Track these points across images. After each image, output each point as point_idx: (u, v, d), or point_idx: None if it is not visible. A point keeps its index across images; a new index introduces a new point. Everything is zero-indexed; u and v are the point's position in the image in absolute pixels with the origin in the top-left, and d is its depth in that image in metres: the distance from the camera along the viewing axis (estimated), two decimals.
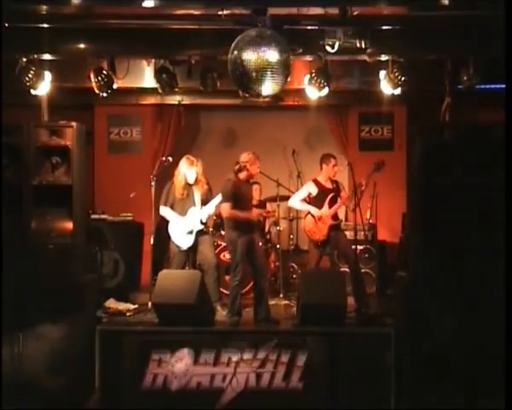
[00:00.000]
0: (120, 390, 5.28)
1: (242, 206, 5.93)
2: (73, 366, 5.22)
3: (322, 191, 6.47)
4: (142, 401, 5.27)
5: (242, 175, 5.96)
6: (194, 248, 6.37)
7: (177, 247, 6.33)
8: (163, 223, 6.61)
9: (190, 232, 6.30)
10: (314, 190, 6.51)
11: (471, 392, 5.06)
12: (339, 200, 6.48)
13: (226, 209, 5.91)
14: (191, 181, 6.37)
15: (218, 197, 6.26)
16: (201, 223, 6.35)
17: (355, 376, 5.22)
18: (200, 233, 6.35)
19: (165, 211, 6.38)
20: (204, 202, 6.37)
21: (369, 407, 5.22)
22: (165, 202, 6.38)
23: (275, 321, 5.92)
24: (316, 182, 6.53)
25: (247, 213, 5.92)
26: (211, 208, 6.40)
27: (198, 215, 6.31)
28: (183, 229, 6.30)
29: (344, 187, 6.74)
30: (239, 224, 5.89)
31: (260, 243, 6.70)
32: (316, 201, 6.49)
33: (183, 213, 6.33)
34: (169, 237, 6.39)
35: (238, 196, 5.90)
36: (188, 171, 6.34)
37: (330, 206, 6.42)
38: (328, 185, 6.51)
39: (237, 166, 5.94)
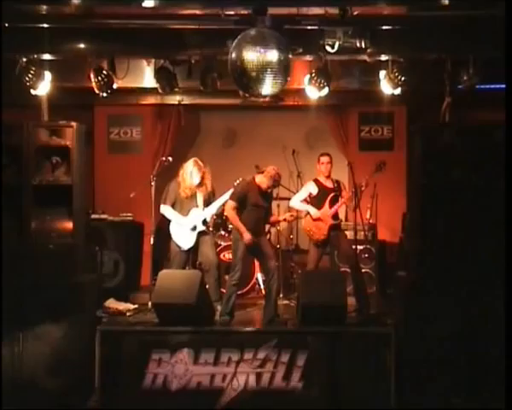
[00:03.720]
0: (120, 390, 5.28)
1: (250, 211, 5.96)
2: (73, 366, 5.23)
3: (324, 191, 6.46)
4: (142, 401, 5.27)
5: (260, 180, 6.00)
6: (194, 249, 6.37)
7: (178, 247, 6.33)
8: (163, 223, 6.61)
9: (194, 229, 6.28)
10: (314, 190, 6.50)
11: (471, 392, 5.06)
12: (340, 199, 6.47)
13: (228, 208, 5.96)
14: (195, 183, 6.35)
15: (223, 198, 6.27)
16: (204, 223, 6.34)
17: (355, 376, 5.22)
18: (201, 233, 6.34)
19: (166, 210, 6.37)
20: (206, 204, 6.37)
21: (369, 406, 5.22)
22: (168, 200, 6.36)
23: (281, 322, 5.97)
24: (316, 181, 6.52)
25: (244, 232, 5.87)
26: (213, 209, 6.40)
27: (201, 216, 6.31)
28: (184, 229, 6.29)
29: (345, 187, 6.74)
30: (244, 224, 5.93)
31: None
32: (317, 200, 6.48)
33: (185, 213, 6.32)
34: (170, 237, 6.38)
35: (245, 200, 5.94)
36: (194, 174, 6.31)
37: (331, 205, 6.41)
38: (329, 185, 6.50)
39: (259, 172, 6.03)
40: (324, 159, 6.49)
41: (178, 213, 6.33)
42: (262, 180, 5.99)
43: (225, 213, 6.08)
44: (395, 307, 5.90)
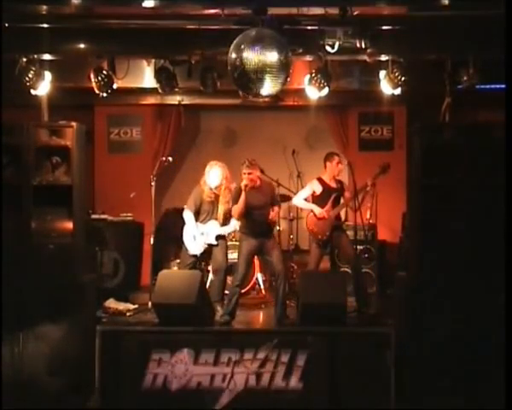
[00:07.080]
0: (120, 390, 5.29)
1: (249, 214, 5.95)
2: (73, 366, 5.23)
3: (327, 190, 6.44)
4: (142, 401, 5.27)
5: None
6: (207, 252, 6.34)
7: (186, 250, 6.29)
8: (163, 223, 6.60)
9: (205, 240, 6.23)
10: (318, 189, 6.47)
11: (471, 392, 5.07)
12: (342, 200, 6.46)
13: (235, 214, 5.98)
14: (213, 185, 6.24)
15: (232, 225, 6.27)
16: (216, 239, 6.27)
17: (355, 376, 5.22)
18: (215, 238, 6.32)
19: (186, 214, 6.31)
20: (224, 221, 6.29)
21: (369, 407, 5.22)
22: (193, 205, 6.29)
23: (290, 322, 5.92)
24: (320, 180, 6.49)
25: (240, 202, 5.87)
26: (228, 230, 6.36)
27: (216, 231, 6.26)
28: (197, 236, 6.25)
29: (347, 187, 6.74)
30: (246, 226, 5.96)
31: None
32: (320, 200, 6.46)
33: (205, 217, 6.28)
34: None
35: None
36: (212, 175, 6.24)
37: (333, 205, 6.41)
38: (333, 185, 6.48)
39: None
40: (338, 158, 6.49)
41: (202, 215, 6.29)
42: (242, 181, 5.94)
43: (237, 220, 6.08)
44: (395, 307, 5.90)
